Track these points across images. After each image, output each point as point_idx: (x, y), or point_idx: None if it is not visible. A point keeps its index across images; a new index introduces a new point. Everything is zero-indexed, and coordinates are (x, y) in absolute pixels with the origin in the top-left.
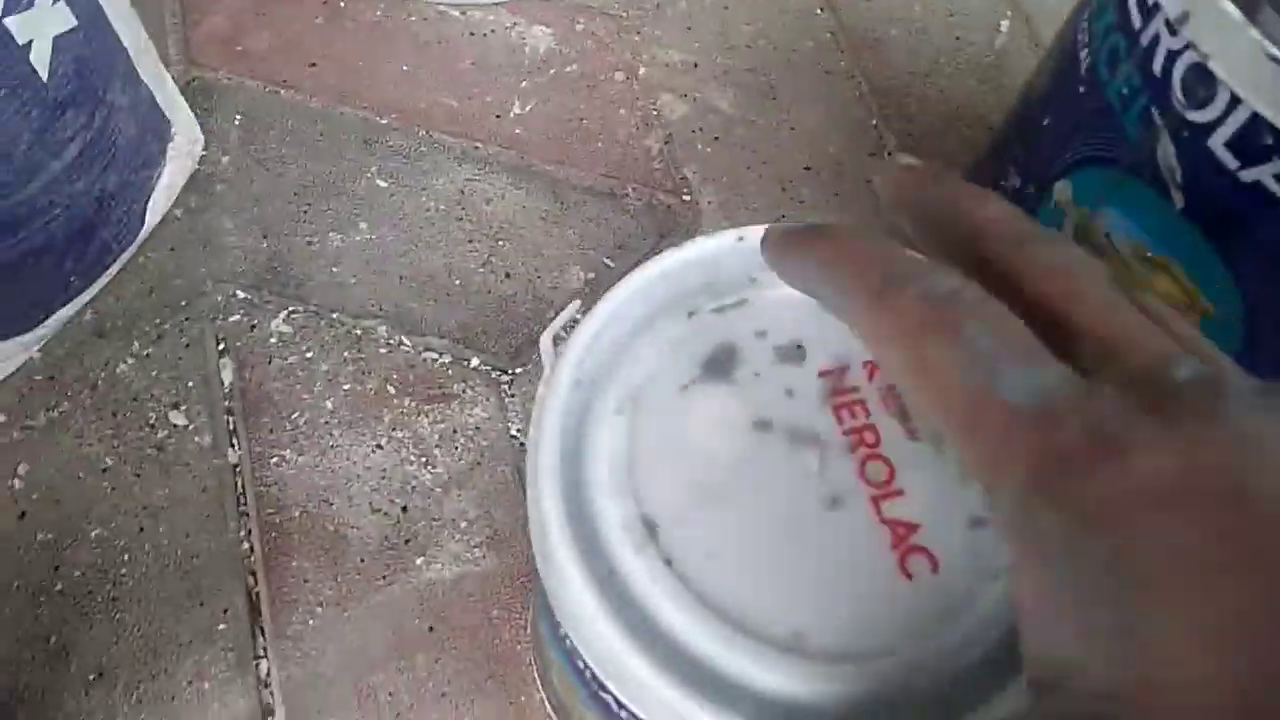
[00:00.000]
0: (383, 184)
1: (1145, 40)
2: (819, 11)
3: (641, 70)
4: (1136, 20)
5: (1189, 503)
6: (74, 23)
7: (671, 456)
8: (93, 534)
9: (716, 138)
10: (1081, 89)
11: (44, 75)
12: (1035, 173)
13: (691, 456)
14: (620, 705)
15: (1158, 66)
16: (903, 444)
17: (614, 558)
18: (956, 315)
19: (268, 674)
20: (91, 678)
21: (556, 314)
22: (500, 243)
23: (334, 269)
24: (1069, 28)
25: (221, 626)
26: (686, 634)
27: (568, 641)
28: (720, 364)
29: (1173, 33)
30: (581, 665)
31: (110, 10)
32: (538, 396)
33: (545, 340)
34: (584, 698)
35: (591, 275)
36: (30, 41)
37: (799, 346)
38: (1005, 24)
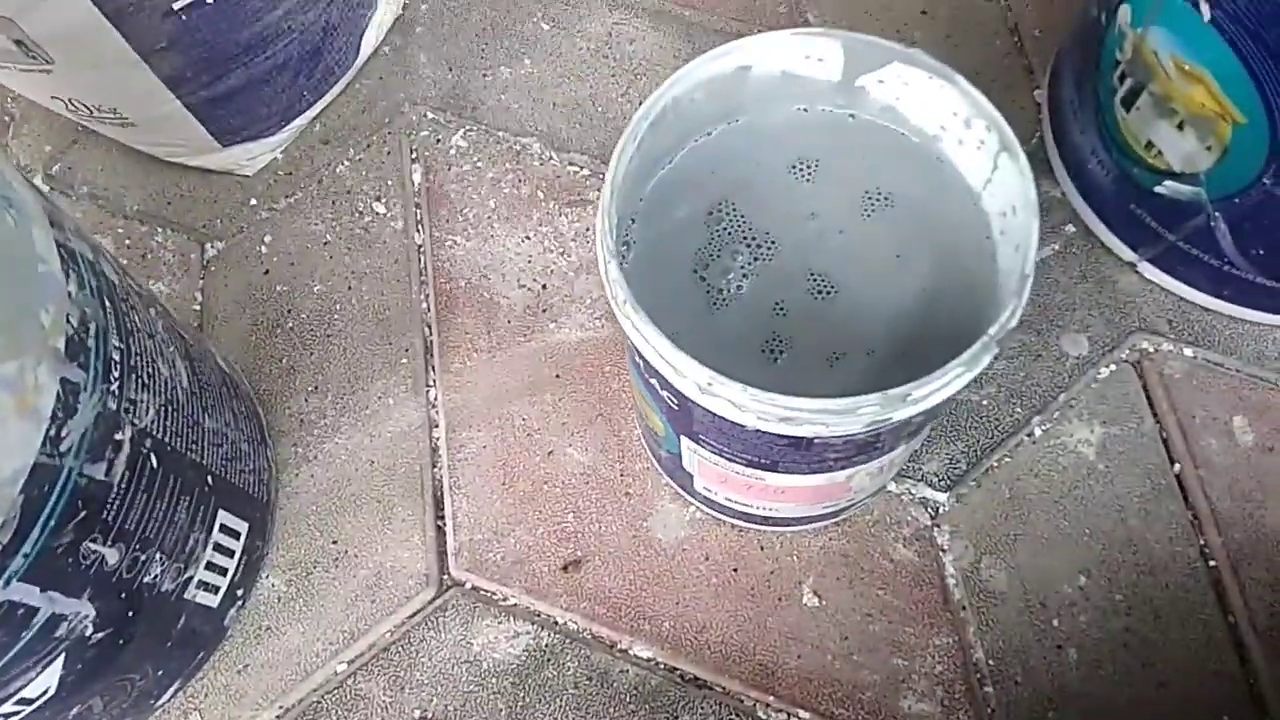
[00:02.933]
0: (546, 27)
1: None
2: None
3: None
4: None
5: None
6: None
7: None
8: (315, 289)
9: None
10: None
11: None
12: (1105, 2)
13: None
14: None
15: None
16: None
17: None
18: None
19: (435, 398)
20: (310, 389)
21: None
22: (638, 77)
23: (502, 96)
24: None
25: (404, 360)
26: None
27: (633, 345)
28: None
29: None
30: (639, 360)
31: None
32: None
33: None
34: (650, 398)
35: None
36: None
37: None
38: None
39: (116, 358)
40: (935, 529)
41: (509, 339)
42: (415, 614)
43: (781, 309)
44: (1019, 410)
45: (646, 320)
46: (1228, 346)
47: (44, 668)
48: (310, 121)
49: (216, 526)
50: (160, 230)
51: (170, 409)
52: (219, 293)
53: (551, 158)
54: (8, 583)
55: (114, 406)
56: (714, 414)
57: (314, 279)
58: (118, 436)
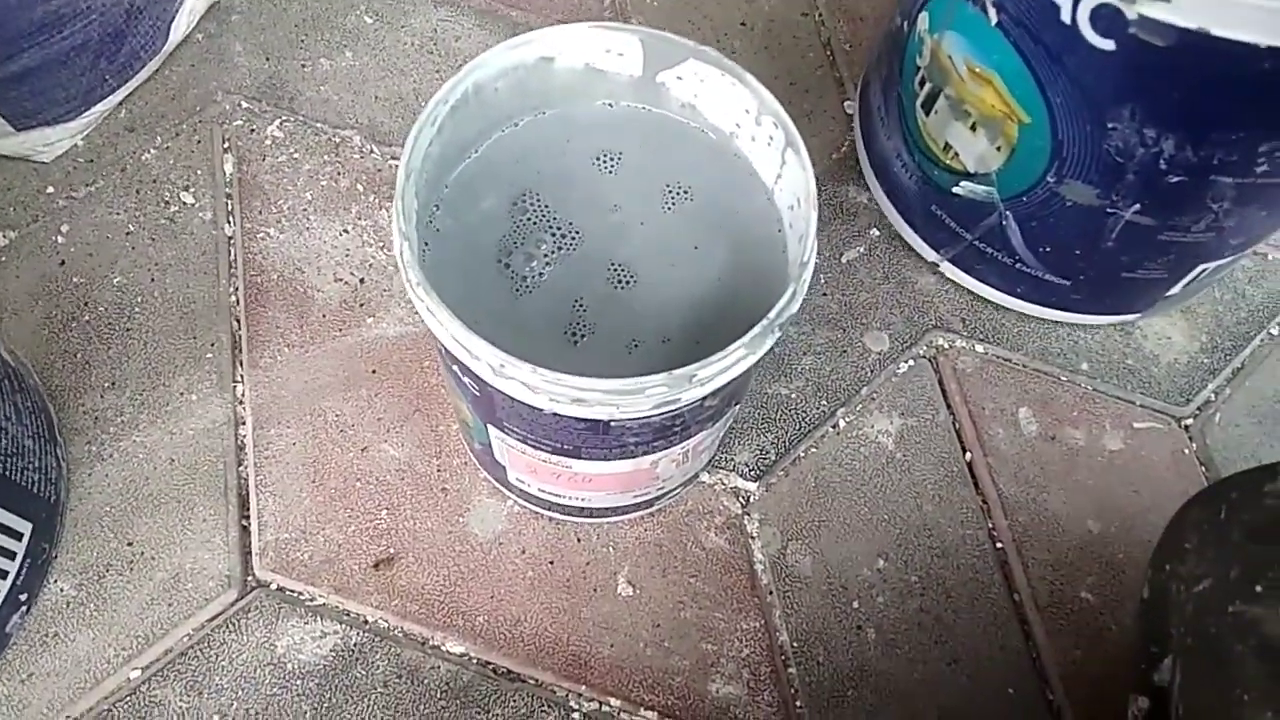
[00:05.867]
0: (369, 20)
1: None
2: None
3: None
4: None
5: None
6: None
7: None
8: (114, 281)
9: None
10: None
11: None
12: (906, 9)
13: None
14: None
15: None
16: None
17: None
18: None
19: (242, 394)
20: (106, 385)
21: None
22: None
23: (322, 87)
24: None
25: (209, 355)
26: None
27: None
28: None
29: None
30: (441, 347)
31: None
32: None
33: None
34: (455, 386)
35: None
36: None
37: None
38: None
39: None
40: (745, 517)
41: (323, 333)
42: (215, 617)
43: (582, 299)
44: (824, 403)
45: (439, 304)
46: (1015, 342)
47: None
48: (115, 108)
49: None
50: None
51: None
52: (9, 284)
53: (373, 151)
54: None
55: None
56: (512, 398)
57: (114, 271)
58: None
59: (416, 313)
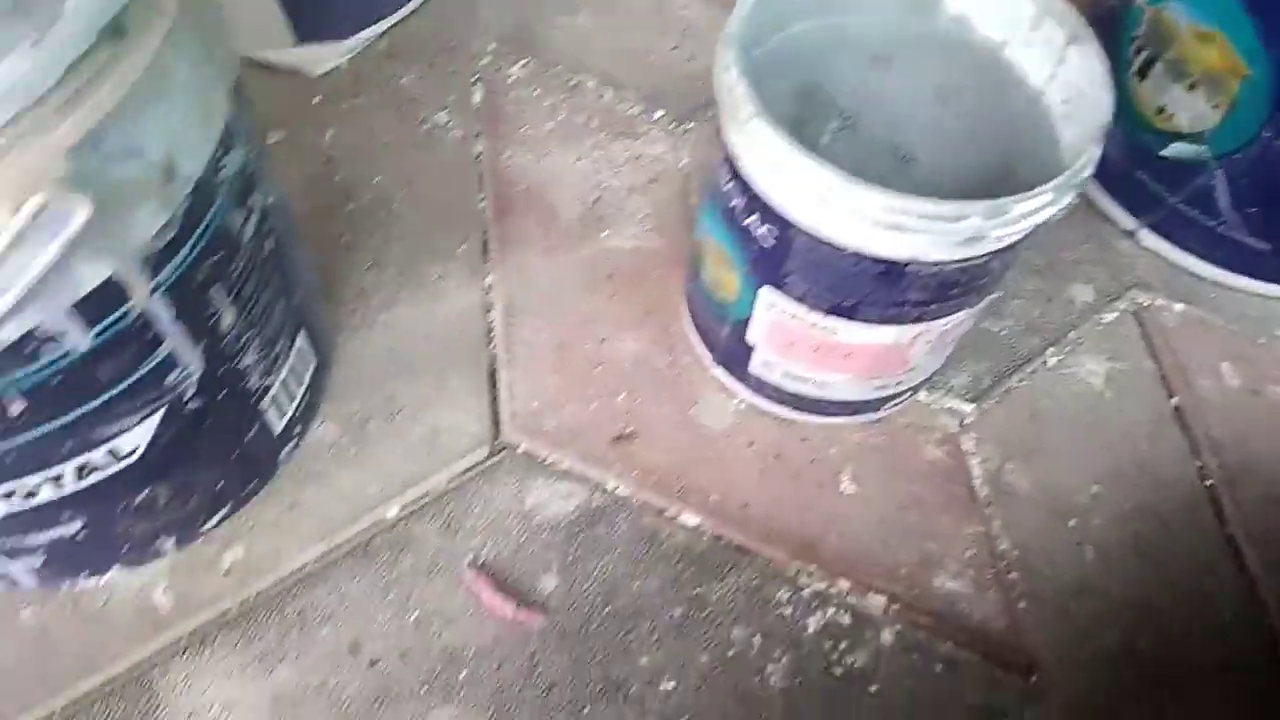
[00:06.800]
0: None
1: None
2: None
3: None
4: None
5: None
6: None
7: None
8: (374, 180)
9: None
10: None
11: None
12: None
13: None
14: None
15: None
16: None
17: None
18: None
19: (490, 285)
20: (368, 266)
21: None
22: (688, 38)
23: (560, 39)
24: None
25: (462, 248)
26: None
27: (726, 190)
28: None
29: None
30: (733, 203)
31: None
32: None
33: None
34: (732, 248)
35: None
36: None
37: None
38: None
39: (248, 135)
40: (963, 435)
41: (564, 241)
42: (469, 469)
43: (867, 172)
44: (1035, 341)
45: (773, 125)
46: (1213, 306)
47: (143, 419)
48: (377, 37)
49: (296, 344)
50: None
51: (278, 211)
52: (278, 177)
53: (604, 94)
54: (154, 290)
55: (250, 170)
56: (816, 239)
57: (375, 172)
58: (250, 201)
59: (649, 230)
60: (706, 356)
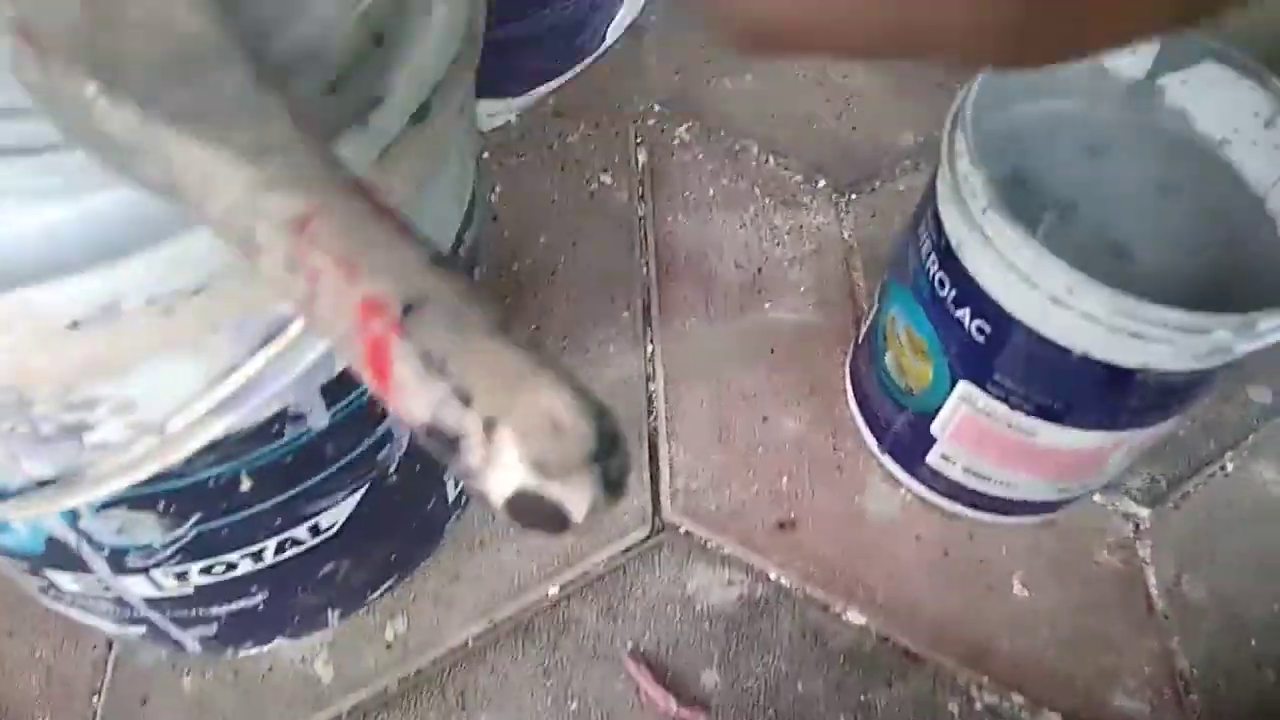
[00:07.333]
0: None
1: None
2: None
3: None
4: None
5: None
6: None
7: None
8: (540, 240)
9: None
10: None
11: None
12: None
13: None
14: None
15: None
16: None
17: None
18: None
19: (652, 353)
20: (533, 327)
21: (890, 160)
22: (851, 105)
23: (724, 103)
24: None
25: (624, 315)
26: None
27: (934, 279)
28: None
29: None
30: (944, 292)
31: None
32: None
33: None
34: (939, 337)
35: (921, 139)
36: None
37: None
38: None
39: (482, 203)
40: (1138, 541)
41: (725, 310)
42: (629, 549)
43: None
44: (1212, 444)
45: (1011, 220)
46: None
47: (351, 493)
48: (547, 94)
49: None
50: None
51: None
52: None
53: (768, 160)
54: None
55: (476, 244)
56: (1041, 340)
57: (540, 232)
58: (474, 273)
59: (811, 304)
60: (873, 442)
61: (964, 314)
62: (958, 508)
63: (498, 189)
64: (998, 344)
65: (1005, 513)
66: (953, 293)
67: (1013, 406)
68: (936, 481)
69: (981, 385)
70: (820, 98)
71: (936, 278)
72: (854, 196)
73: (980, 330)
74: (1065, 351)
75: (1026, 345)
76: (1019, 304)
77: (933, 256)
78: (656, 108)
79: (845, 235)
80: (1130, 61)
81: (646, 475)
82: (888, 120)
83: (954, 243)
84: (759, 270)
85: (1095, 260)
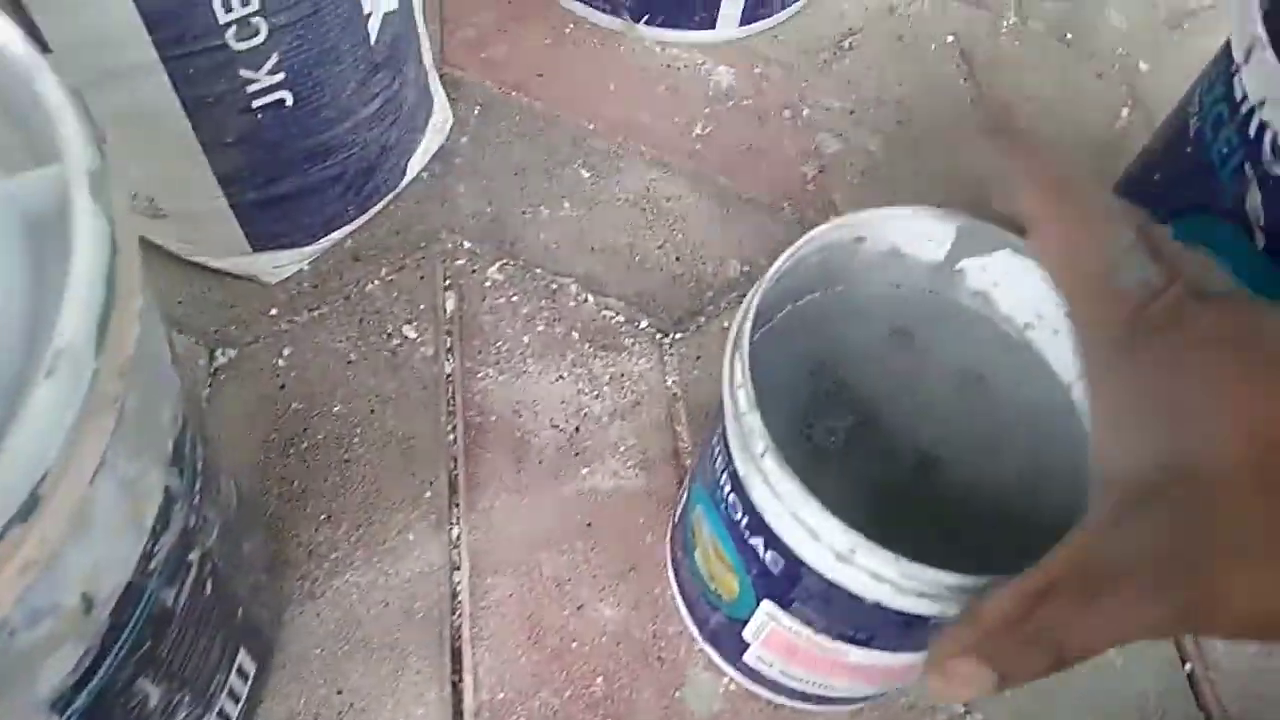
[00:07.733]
0: (585, 174)
1: (1244, 109)
2: (961, 81)
3: (805, 111)
4: (1239, 93)
5: (1220, 345)
6: (395, 6)
7: None
8: (334, 409)
9: (863, 172)
10: (1188, 149)
11: (372, 40)
12: None
13: None
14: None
15: (1253, 130)
16: None
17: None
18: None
19: (458, 538)
20: (322, 517)
21: (715, 293)
22: (675, 233)
23: (540, 235)
24: (1183, 101)
25: (427, 494)
26: None
27: (729, 499)
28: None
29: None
30: (739, 517)
31: (415, 3)
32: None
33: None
34: (735, 559)
35: (747, 269)
36: (369, 13)
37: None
38: (1125, 111)
39: (199, 467)
40: (968, 716)
41: (539, 481)
42: None
43: (883, 478)
44: None
45: (790, 475)
46: None
47: None
48: (344, 236)
49: (235, 666)
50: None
51: (225, 529)
52: (226, 404)
53: (587, 299)
54: None
55: (192, 523)
56: (833, 585)
57: (334, 399)
58: (189, 557)
59: (631, 466)
60: (695, 629)
61: (758, 543)
62: (780, 699)
63: (286, 352)
64: (792, 579)
65: (830, 703)
66: (745, 519)
67: (817, 631)
68: (756, 677)
69: (785, 608)
70: (643, 224)
71: (730, 499)
72: (678, 336)
73: (775, 562)
74: (858, 599)
75: (820, 586)
76: (808, 552)
77: (726, 475)
78: (466, 245)
79: (669, 382)
80: (928, 246)
81: (448, 691)
82: (712, 249)
83: (741, 474)
84: (576, 429)
85: (898, 470)
